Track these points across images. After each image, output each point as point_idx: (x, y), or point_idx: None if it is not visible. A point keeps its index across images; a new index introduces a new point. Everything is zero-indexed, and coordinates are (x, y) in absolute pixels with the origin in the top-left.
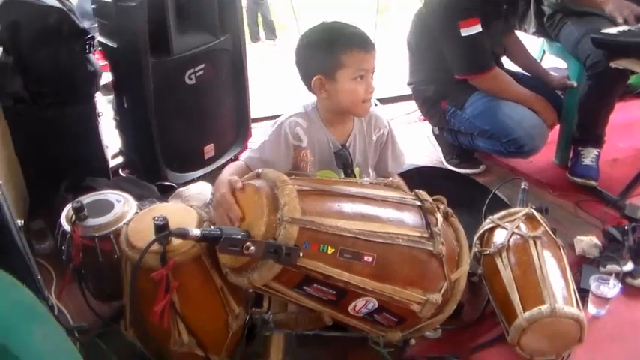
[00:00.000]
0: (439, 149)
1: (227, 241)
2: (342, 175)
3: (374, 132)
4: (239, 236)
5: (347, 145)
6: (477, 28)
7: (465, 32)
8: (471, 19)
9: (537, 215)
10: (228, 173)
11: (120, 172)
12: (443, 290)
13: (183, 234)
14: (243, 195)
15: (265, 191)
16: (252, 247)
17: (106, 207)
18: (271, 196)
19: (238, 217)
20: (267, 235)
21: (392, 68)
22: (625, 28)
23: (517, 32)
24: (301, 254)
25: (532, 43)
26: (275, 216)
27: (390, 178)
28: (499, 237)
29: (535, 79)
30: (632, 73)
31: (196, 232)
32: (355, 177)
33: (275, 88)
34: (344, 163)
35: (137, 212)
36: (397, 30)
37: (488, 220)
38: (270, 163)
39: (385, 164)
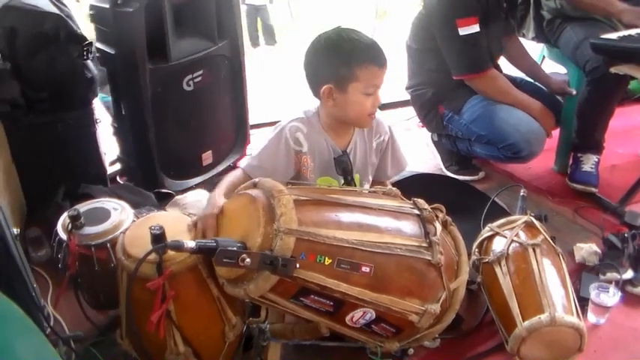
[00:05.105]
0: (438, 156)
1: (222, 253)
2: (342, 182)
3: (374, 138)
4: (235, 248)
5: (347, 150)
6: (475, 28)
7: (463, 31)
8: (470, 18)
9: (537, 223)
10: (225, 184)
11: (117, 179)
12: (441, 300)
13: (178, 246)
14: (239, 204)
15: (262, 201)
16: (247, 259)
17: (103, 215)
18: (268, 206)
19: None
20: (263, 246)
21: (391, 74)
22: (625, 33)
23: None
24: (298, 265)
25: (531, 48)
26: (271, 227)
27: (382, 187)
28: (498, 245)
29: (533, 85)
30: (632, 78)
31: (191, 244)
32: (355, 183)
33: (275, 94)
34: (344, 169)
35: (134, 220)
36: (396, 35)
37: (487, 228)
38: (270, 170)
39: (384, 169)
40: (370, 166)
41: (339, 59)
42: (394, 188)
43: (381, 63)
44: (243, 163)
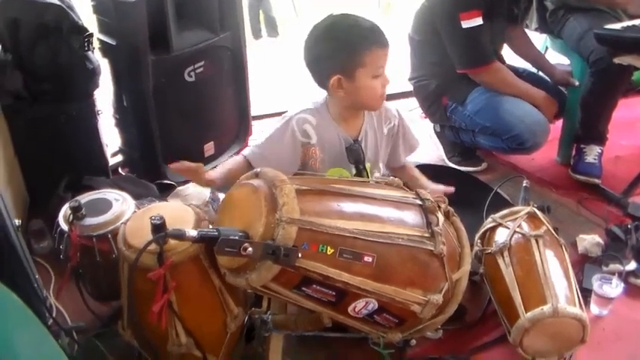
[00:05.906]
0: (440, 147)
1: (224, 242)
2: (354, 171)
3: (385, 124)
4: (236, 237)
5: (359, 139)
6: (478, 21)
7: (466, 24)
8: (473, 11)
9: (539, 214)
10: (224, 169)
11: (119, 170)
12: (444, 291)
13: (179, 235)
14: (241, 194)
15: (264, 191)
16: (249, 249)
17: (104, 206)
18: (270, 195)
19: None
20: (265, 235)
21: (394, 65)
22: (629, 23)
23: None
24: (300, 255)
25: (535, 39)
26: (273, 216)
27: (391, 178)
28: (501, 236)
29: (535, 75)
30: (636, 69)
31: (193, 233)
32: (367, 172)
33: (277, 85)
34: (356, 159)
35: (135, 211)
36: (399, 27)
37: (489, 219)
38: (273, 160)
39: (397, 154)
40: (381, 154)
41: (343, 48)
42: (397, 179)
43: (384, 43)
44: (246, 151)
